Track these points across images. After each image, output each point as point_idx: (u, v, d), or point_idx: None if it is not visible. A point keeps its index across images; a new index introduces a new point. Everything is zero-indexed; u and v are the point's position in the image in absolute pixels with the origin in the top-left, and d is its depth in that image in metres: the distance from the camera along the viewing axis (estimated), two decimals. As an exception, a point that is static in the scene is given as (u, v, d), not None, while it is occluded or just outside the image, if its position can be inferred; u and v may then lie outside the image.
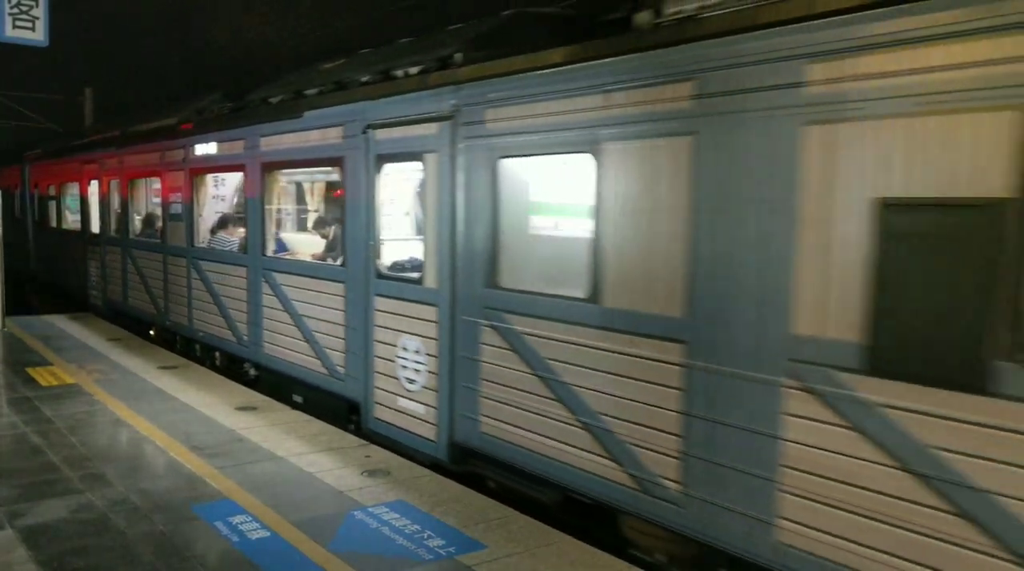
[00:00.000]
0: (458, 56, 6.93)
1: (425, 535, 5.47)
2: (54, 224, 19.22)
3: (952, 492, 3.75)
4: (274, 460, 7.02)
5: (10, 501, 6.01)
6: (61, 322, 14.35)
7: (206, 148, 11.15)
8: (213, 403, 8.83)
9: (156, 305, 12.99)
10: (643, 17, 5.39)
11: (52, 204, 19.32)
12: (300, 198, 11.16)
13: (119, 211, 14.40)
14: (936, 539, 3.83)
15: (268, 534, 5.48)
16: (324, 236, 9.86)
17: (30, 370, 10.42)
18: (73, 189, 17.98)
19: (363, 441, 7.61)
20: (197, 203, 11.61)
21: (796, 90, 4.29)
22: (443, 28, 8.43)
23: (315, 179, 10.71)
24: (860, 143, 4.04)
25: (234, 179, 11.65)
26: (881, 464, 4.01)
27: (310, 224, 10.72)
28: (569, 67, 5.67)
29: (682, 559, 5.28)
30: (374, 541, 5.39)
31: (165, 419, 8.21)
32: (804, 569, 4.36)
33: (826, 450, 4.24)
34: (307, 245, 9.92)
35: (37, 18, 10.70)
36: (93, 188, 15.95)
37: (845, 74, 4.10)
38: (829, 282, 4.19)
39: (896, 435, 3.94)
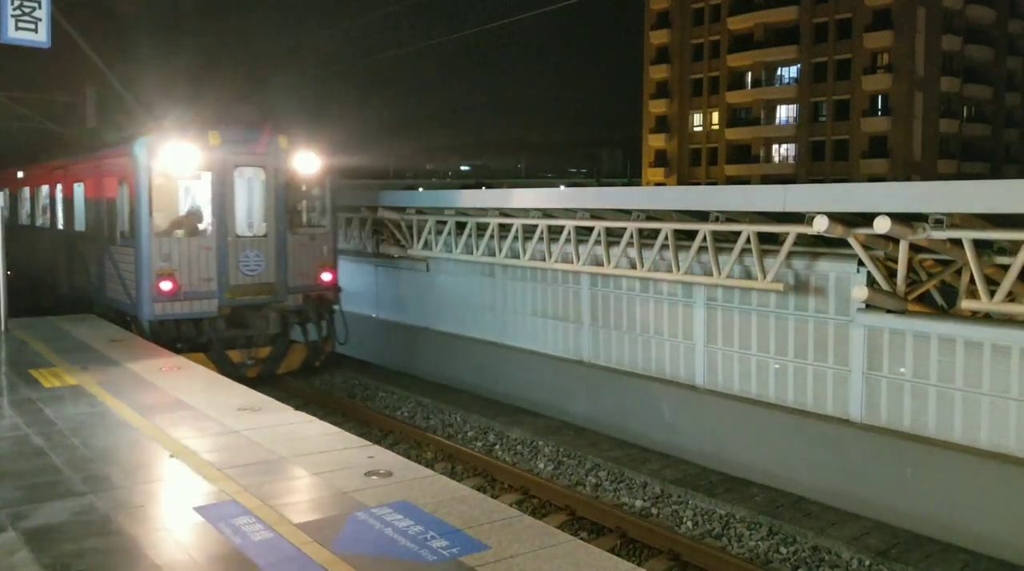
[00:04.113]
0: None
1: (428, 536, 5.45)
2: None
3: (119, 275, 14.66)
4: (277, 461, 7.02)
5: (13, 503, 6.01)
6: (63, 323, 14.37)
7: (35, 172, 21.13)
8: (215, 404, 8.82)
9: (17, 254, 23.00)
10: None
11: None
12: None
13: (15, 206, 24.30)
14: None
15: (271, 535, 5.47)
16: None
17: (32, 371, 10.42)
18: None
19: (366, 442, 7.62)
20: (36, 200, 21.24)
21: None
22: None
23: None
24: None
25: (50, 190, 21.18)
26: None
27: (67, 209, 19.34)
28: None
29: (122, 322, 14.35)
30: (377, 542, 5.38)
31: (167, 420, 8.21)
32: (138, 312, 13.81)
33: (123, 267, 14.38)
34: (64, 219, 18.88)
35: (39, 19, 10.71)
36: (5, 194, 26.22)
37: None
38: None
39: (122, 262, 14.53)
